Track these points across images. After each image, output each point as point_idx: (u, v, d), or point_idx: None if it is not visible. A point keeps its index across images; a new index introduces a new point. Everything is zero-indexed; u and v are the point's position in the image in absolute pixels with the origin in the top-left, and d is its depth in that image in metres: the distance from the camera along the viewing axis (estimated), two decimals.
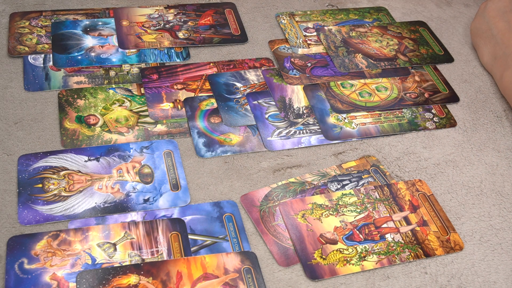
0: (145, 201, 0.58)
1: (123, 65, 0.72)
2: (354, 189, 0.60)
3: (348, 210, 0.58)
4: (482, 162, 0.65)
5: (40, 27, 0.76)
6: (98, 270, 0.52)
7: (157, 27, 0.77)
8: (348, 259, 0.54)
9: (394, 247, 0.56)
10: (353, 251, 0.55)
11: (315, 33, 0.79)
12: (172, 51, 0.75)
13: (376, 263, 0.54)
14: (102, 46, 0.74)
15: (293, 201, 0.59)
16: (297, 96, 0.70)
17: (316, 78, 0.72)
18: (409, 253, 0.55)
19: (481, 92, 0.73)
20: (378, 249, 0.55)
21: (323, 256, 0.54)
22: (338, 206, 0.58)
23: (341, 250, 0.55)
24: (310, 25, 0.80)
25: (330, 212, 0.58)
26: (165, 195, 0.59)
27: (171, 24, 0.78)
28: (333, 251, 0.55)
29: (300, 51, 0.76)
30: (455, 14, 0.86)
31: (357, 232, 0.56)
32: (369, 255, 0.55)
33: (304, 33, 0.79)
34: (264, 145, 0.64)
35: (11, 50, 0.72)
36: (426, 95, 0.71)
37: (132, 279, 0.51)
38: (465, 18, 0.85)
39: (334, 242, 0.56)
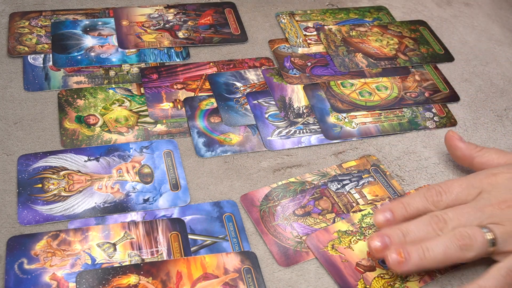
0: (145, 201, 0.58)
1: (123, 65, 0.72)
2: (372, 208, 0.59)
3: (374, 231, 0.56)
4: None
5: (40, 27, 0.76)
6: (98, 270, 0.52)
7: (157, 27, 0.77)
8: (392, 283, 0.53)
9: None
10: (393, 273, 0.53)
11: (315, 33, 0.79)
12: (172, 50, 0.75)
13: (419, 282, 0.53)
14: (102, 46, 0.74)
15: (317, 233, 0.56)
16: (297, 96, 0.70)
17: (316, 77, 0.72)
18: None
19: (481, 91, 0.73)
20: None
21: (367, 286, 0.52)
22: (363, 229, 0.57)
23: (381, 275, 0.53)
24: (310, 24, 0.80)
25: (358, 237, 0.56)
26: (165, 195, 0.59)
27: (171, 23, 0.78)
28: (374, 278, 0.53)
29: (300, 50, 0.76)
30: (456, 13, 0.86)
31: None
32: (410, 275, 0.53)
33: (304, 33, 0.79)
34: (264, 144, 0.64)
35: (10, 50, 0.72)
36: (426, 94, 0.71)
37: (132, 279, 0.51)
38: (466, 17, 0.85)
39: (372, 268, 0.54)
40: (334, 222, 0.57)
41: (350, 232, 0.57)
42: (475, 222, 0.52)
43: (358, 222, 0.57)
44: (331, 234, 0.56)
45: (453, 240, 0.51)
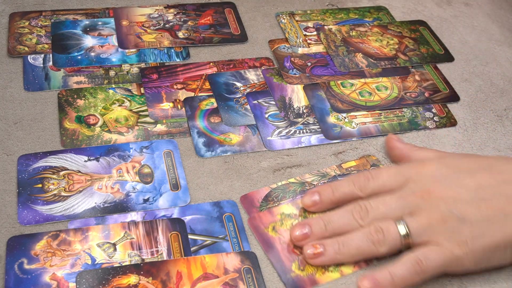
0: (145, 201, 0.58)
1: (122, 65, 0.72)
2: None
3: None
4: None
5: (40, 27, 0.76)
6: (98, 270, 0.52)
7: (157, 27, 0.77)
8: (326, 266, 0.53)
9: None
10: None
11: (315, 33, 0.79)
12: (172, 50, 0.75)
13: (354, 266, 0.54)
14: (102, 46, 0.74)
15: (261, 214, 0.57)
16: (297, 96, 0.70)
17: (316, 77, 0.72)
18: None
19: (481, 91, 0.73)
20: None
21: (301, 268, 0.53)
22: (307, 213, 0.57)
23: None
24: (310, 24, 0.80)
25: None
26: (165, 195, 0.59)
27: (171, 23, 0.78)
28: None
29: (300, 50, 0.76)
30: (456, 13, 0.86)
31: None
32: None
33: (304, 33, 0.79)
34: (264, 144, 0.64)
35: (11, 50, 0.72)
36: (426, 94, 0.71)
37: (132, 279, 0.51)
38: (466, 17, 0.85)
39: None
40: None
41: (293, 215, 0.57)
42: (396, 211, 0.53)
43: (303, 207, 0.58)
44: (274, 216, 0.57)
45: (367, 235, 0.52)
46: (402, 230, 0.52)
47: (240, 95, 0.70)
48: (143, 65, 0.72)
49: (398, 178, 0.55)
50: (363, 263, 0.54)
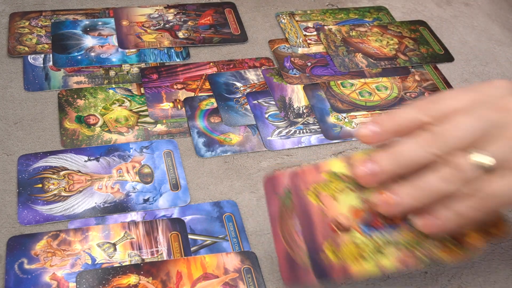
0: (145, 201, 0.58)
1: (123, 65, 0.72)
2: None
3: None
4: None
5: (40, 27, 0.76)
6: (98, 270, 0.52)
7: (157, 27, 0.77)
8: (364, 254, 0.44)
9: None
10: (370, 242, 0.44)
11: (315, 33, 0.79)
12: (172, 50, 0.75)
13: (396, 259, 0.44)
14: (102, 46, 0.74)
15: (305, 169, 0.46)
16: (297, 96, 0.70)
17: (316, 77, 0.72)
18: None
19: None
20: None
21: (333, 248, 0.44)
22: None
23: (355, 241, 0.44)
24: (310, 24, 0.80)
25: (349, 186, 0.45)
26: (165, 195, 0.59)
27: (171, 24, 0.78)
28: (346, 242, 0.44)
29: (300, 50, 0.76)
30: (456, 13, 0.86)
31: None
32: (386, 247, 0.44)
33: (304, 33, 0.79)
34: (264, 144, 0.64)
35: (11, 50, 0.72)
36: (426, 94, 0.71)
37: (132, 279, 0.51)
38: (466, 17, 0.85)
39: (347, 229, 0.45)
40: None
41: (343, 177, 0.45)
42: (471, 134, 0.43)
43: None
44: (320, 173, 0.45)
45: (442, 175, 0.43)
46: (482, 160, 0.42)
47: (240, 95, 0.70)
48: (143, 65, 0.72)
49: (465, 95, 0.45)
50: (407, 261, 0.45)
